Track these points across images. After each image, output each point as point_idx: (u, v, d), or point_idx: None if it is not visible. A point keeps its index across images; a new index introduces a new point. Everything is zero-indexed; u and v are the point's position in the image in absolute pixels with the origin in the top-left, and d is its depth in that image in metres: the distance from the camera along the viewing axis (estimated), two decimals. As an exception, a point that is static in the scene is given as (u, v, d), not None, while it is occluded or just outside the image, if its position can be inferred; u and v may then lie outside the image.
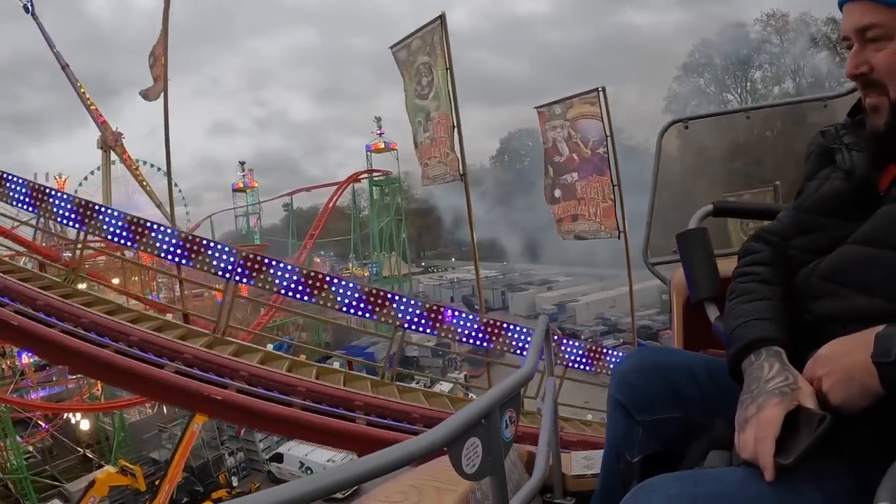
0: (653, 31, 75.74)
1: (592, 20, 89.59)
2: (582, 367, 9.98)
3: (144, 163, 37.64)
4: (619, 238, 11.84)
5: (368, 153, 46.39)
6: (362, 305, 8.93)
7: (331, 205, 40.77)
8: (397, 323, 9.02)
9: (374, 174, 46.27)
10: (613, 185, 11.70)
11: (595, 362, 9.96)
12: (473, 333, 9.47)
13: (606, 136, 11.74)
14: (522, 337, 9.38)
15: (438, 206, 52.50)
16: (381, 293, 9.26)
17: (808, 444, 0.82)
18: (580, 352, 10.05)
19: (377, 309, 8.99)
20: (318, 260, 46.74)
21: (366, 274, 45.85)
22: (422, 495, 1.27)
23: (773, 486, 0.82)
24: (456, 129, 10.76)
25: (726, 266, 1.42)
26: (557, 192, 12.98)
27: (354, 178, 44.89)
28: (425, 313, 9.16)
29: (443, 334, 9.60)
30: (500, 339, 9.45)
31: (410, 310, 9.09)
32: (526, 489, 1.17)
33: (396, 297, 9.28)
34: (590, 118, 11.97)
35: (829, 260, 1.06)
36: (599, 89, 11.83)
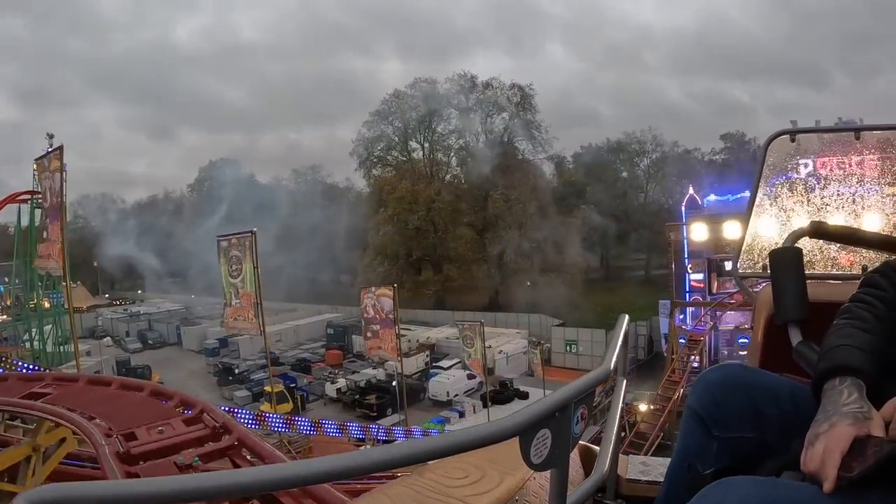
0: (367, 76, 76.25)
1: (313, 58, 78.68)
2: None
3: None
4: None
5: (35, 173, 34.64)
6: None
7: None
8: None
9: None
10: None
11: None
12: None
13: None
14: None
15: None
16: None
17: (874, 463, 0.83)
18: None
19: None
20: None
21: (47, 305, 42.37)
22: (483, 476, 1.37)
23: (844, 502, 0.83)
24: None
25: (816, 289, 1.47)
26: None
27: (13, 198, 34.56)
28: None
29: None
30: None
31: None
32: (585, 486, 1.20)
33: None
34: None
35: None
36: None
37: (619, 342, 1.41)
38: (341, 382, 32.73)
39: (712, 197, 35.05)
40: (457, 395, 28.75)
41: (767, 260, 1.57)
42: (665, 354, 32.04)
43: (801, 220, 1.98)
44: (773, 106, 67.99)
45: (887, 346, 1.10)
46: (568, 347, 36.20)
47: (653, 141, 61.86)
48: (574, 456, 1.56)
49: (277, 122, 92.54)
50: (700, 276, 33.94)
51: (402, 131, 56.73)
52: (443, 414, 26.07)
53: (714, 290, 32.20)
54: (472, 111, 56.14)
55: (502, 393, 26.91)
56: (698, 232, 27.76)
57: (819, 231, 1.79)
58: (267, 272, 54.30)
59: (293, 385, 30.51)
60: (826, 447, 0.88)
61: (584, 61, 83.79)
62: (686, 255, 35.86)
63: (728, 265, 34.37)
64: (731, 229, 24.89)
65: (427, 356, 36.59)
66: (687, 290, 32.91)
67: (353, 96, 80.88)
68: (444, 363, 34.47)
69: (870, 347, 1.06)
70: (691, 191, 35.93)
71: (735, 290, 31.24)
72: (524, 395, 26.84)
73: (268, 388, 27.14)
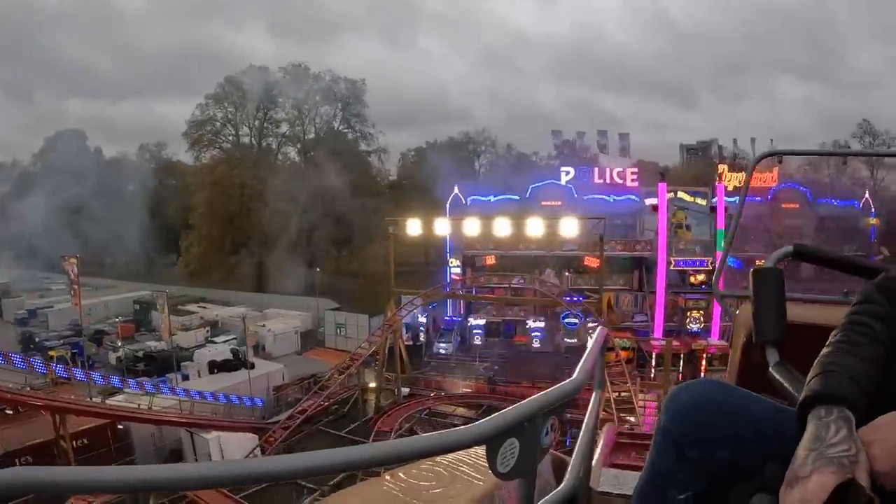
0: (233, 52, 66.08)
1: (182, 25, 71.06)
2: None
3: None
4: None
5: None
6: None
7: None
8: None
9: None
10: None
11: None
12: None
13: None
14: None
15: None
16: None
17: None
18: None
19: None
20: None
21: None
22: (453, 480, 1.37)
23: None
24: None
25: (795, 311, 1.47)
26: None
27: None
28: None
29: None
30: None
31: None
32: (553, 496, 1.19)
33: None
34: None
35: None
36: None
37: (596, 353, 1.44)
38: (121, 352, 35.25)
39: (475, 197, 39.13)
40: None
41: (749, 279, 1.55)
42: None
43: (783, 241, 1.94)
44: (644, 120, 76.46)
45: (883, 370, 1.05)
46: (338, 330, 39.87)
47: (487, 142, 67.00)
48: (546, 466, 1.56)
49: (134, 93, 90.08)
50: (459, 270, 38.41)
51: (234, 116, 57.99)
52: (169, 375, 28.88)
53: (469, 284, 36.08)
54: (304, 102, 58.22)
55: (230, 362, 30.20)
56: (470, 227, 28.93)
57: (801, 253, 1.77)
58: (96, 250, 55.07)
59: (74, 352, 32.37)
60: (803, 498, 0.84)
61: (460, 59, 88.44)
62: (448, 250, 40.15)
63: (479, 259, 39.32)
64: (500, 226, 26.64)
65: (207, 331, 39.29)
66: (448, 281, 36.91)
67: (217, 73, 76.91)
68: (220, 338, 37.33)
69: (860, 375, 1.01)
70: (456, 190, 39.32)
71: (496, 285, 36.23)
72: (251, 366, 30.04)
73: (52, 353, 29.88)
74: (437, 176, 42.37)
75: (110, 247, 54.53)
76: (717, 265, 2.38)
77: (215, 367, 29.91)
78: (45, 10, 71.15)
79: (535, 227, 23.05)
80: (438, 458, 1.30)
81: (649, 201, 35.63)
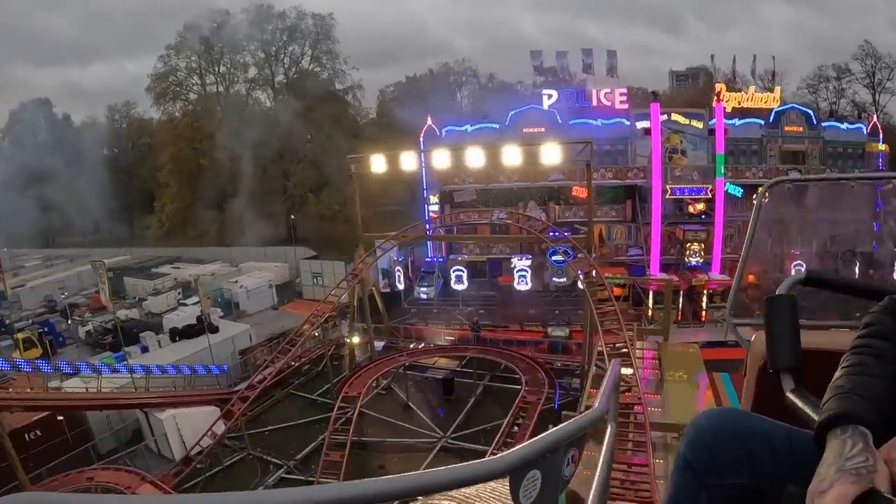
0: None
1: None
2: None
3: None
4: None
5: None
6: None
7: None
8: None
9: None
10: None
11: None
12: None
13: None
14: None
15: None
16: None
17: None
18: None
19: None
20: None
21: None
22: None
23: None
24: None
25: (809, 337, 1.49)
26: None
27: None
28: None
29: None
30: None
31: None
32: None
33: None
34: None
35: None
36: None
37: (611, 385, 1.37)
38: (90, 325, 33.12)
39: (450, 128, 36.13)
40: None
41: (763, 306, 1.53)
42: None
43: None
44: (631, 45, 72.63)
45: (894, 387, 1.06)
46: (315, 280, 37.51)
47: (468, 72, 63.87)
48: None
49: (99, 55, 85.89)
50: (437, 207, 36.00)
51: (198, 64, 54.72)
52: (127, 349, 26.77)
53: (449, 222, 33.60)
54: (270, 43, 54.74)
55: (193, 327, 27.90)
56: (439, 159, 24.87)
57: (814, 279, 1.75)
58: (69, 219, 52.65)
59: (41, 331, 30.52)
60: None
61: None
62: (425, 187, 37.62)
63: (458, 196, 36.63)
64: (473, 157, 22.59)
65: (178, 293, 36.98)
66: (427, 220, 34.31)
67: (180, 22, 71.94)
68: (192, 300, 34.99)
69: (874, 393, 1.03)
70: (429, 121, 36.69)
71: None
72: (214, 329, 27.95)
73: (18, 336, 28.06)
74: (417, 111, 39.55)
75: (84, 214, 52.75)
76: (730, 288, 2.26)
77: (177, 334, 27.66)
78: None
79: (512, 156, 20.30)
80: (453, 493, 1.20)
81: (641, 125, 32.97)
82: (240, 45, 54.51)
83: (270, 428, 20.80)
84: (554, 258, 26.53)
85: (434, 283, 33.64)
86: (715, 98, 33.04)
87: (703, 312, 28.67)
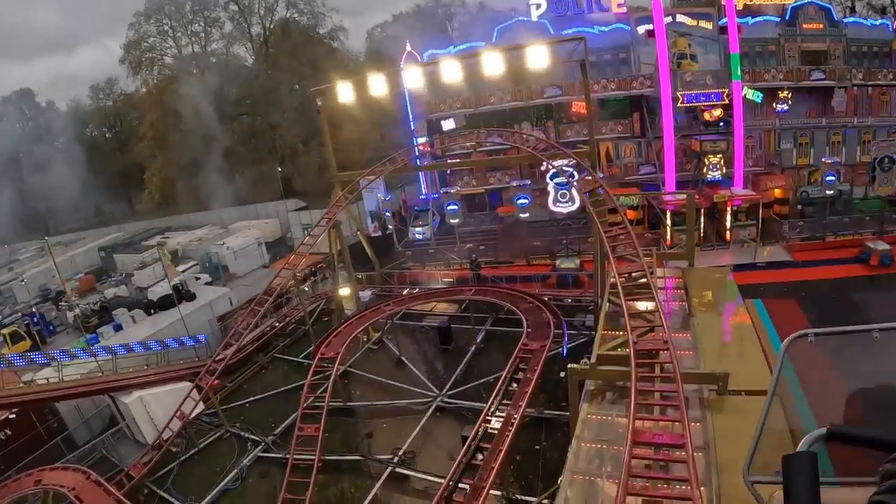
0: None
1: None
2: None
3: None
4: None
5: None
6: None
7: None
8: None
9: None
10: None
11: None
12: None
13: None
14: None
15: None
16: None
17: None
18: None
19: None
20: None
21: None
22: None
23: None
24: None
25: (829, 496, 1.43)
26: None
27: None
28: None
29: None
30: None
31: None
32: None
33: None
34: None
35: None
36: None
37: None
38: (77, 309, 31.34)
39: (431, 51, 33.00)
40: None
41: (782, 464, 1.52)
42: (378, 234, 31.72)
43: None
44: None
45: None
46: (305, 232, 35.03)
47: (456, 2, 60.11)
48: None
49: (79, 40, 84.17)
50: (425, 139, 32.96)
51: (170, 27, 51.90)
52: (100, 330, 24.73)
53: (442, 154, 30.74)
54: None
55: (168, 297, 25.53)
56: (413, 78, 20.36)
57: (836, 434, 1.75)
58: (59, 205, 50.77)
59: (28, 322, 28.78)
60: None
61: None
62: (411, 118, 34.60)
63: (446, 124, 33.41)
64: (448, 71, 18.39)
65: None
66: (417, 155, 31.56)
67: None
68: (181, 267, 33.00)
69: None
70: (409, 47, 33.64)
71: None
72: (191, 297, 25.70)
73: (4, 332, 26.48)
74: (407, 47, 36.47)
75: (83, 198, 51.90)
76: (758, 431, 2.25)
77: (152, 307, 25.45)
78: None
79: (493, 65, 17.15)
80: None
81: (642, 28, 29.17)
82: (210, 1, 51.91)
83: (251, 399, 18.68)
84: (556, 181, 23.58)
85: (430, 222, 31.08)
86: (726, -9, 29.07)
87: (728, 232, 25.68)
